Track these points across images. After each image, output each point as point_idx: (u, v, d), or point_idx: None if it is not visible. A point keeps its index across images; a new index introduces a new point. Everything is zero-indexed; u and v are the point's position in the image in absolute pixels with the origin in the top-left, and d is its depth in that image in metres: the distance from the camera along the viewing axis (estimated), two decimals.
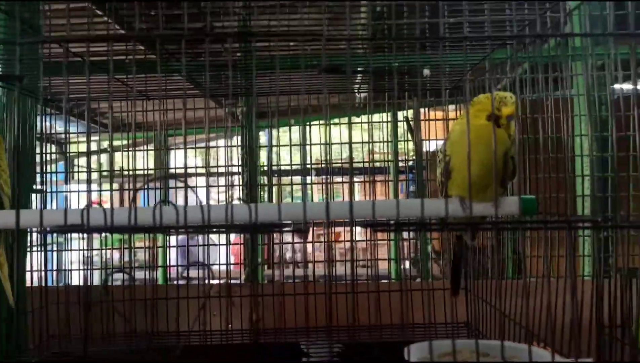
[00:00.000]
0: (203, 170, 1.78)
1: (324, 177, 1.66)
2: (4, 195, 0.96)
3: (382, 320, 1.26)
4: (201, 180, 1.95)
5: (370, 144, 1.55)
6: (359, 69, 1.18)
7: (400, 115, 2.01)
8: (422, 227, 0.78)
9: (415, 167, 1.77)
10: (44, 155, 1.29)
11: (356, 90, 1.61)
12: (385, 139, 1.74)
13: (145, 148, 1.40)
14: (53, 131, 1.35)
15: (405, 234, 1.59)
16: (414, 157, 1.66)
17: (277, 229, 0.62)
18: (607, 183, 1.30)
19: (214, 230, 0.69)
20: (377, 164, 1.67)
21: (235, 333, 1.27)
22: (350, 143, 0.59)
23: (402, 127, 1.92)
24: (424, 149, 1.77)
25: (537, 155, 1.15)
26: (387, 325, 1.26)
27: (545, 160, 1.13)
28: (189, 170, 1.57)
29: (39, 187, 1.31)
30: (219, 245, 1.38)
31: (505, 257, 1.45)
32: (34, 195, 1.28)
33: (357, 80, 1.57)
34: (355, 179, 1.88)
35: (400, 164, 1.89)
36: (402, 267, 1.61)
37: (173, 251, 1.41)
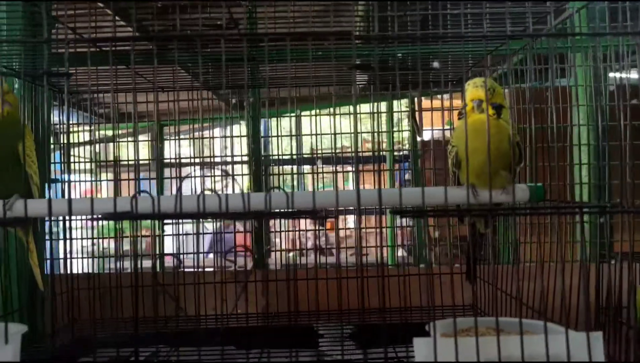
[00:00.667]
0: (209, 160, 1.80)
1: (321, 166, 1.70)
2: (33, 185, 1.00)
3: (391, 304, 1.31)
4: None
5: (376, 134, 1.58)
6: (367, 64, 1.22)
7: (396, 104, 2.04)
8: (445, 214, 0.83)
9: (412, 157, 1.83)
10: (63, 145, 1.32)
11: (361, 82, 1.64)
12: (381, 129, 1.77)
13: (177, 137, 1.43)
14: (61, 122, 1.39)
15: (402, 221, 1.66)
16: (408, 147, 1.70)
17: (311, 215, 0.66)
18: (604, 171, 1.36)
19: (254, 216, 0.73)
20: (369, 153, 1.71)
21: (251, 316, 1.32)
22: (377, 132, 0.63)
23: (397, 116, 1.95)
24: (419, 138, 1.82)
25: (536, 144, 1.20)
26: (395, 309, 1.31)
27: (547, 148, 1.18)
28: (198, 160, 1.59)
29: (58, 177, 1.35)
30: (233, 233, 1.42)
31: (503, 243, 1.50)
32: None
33: (358, 72, 1.61)
34: (349, 168, 1.93)
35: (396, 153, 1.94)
36: (401, 253, 1.66)
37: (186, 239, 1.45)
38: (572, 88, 1.42)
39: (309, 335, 1.24)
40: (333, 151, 1.50)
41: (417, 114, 1.58)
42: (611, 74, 1.39)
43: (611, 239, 1.33)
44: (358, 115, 1.52)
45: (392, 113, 1.71)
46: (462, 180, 0.99)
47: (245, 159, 1.67)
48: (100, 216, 0.65)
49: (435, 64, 1.17)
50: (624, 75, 1.19)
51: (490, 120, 0.90)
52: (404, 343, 0.97)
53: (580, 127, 1.41)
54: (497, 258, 1.43)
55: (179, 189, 0.73)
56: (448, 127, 1.71)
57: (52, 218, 1.27)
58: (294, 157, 1.52)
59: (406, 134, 2.19)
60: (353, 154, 1.63)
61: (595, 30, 1.16)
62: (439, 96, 1.58)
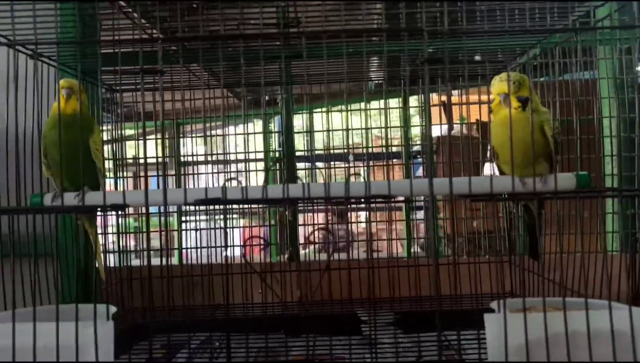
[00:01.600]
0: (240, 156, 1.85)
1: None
2: (101, 178, 1.05)
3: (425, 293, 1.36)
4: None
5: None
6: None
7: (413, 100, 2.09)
8: (514, 197, 0.87)
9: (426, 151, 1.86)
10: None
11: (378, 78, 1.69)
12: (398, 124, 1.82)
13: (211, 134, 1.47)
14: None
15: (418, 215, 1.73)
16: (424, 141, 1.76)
17: (386, 199, 0.71)
18: (633, 162, 1.40)
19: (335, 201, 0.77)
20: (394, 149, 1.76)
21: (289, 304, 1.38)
22: (452, 122, 0.67)
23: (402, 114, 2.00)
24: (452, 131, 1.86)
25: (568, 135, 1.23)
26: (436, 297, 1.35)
27: (582, 140, 1.23)
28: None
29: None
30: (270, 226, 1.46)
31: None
32: None
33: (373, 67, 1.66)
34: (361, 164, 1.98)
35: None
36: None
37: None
38: (602, 81, 1.46)
39: (352, 322, 1.29)
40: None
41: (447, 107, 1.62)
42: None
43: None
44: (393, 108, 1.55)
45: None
46: (500, 169, 1.04)
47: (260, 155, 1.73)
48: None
49: (477, 57, 1.21)
50: None
51: (516, 114, 0.93)
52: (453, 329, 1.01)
53: (610, 119, 1.44)
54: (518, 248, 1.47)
55: (266, 180, 0.77)
56: (460, 122, 1.76)
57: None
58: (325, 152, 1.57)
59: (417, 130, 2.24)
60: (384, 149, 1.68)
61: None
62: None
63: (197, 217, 1.64)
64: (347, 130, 1.60)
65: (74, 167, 0.95)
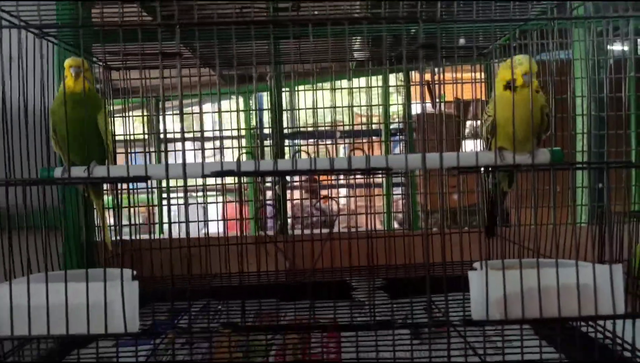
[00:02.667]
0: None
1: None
2: (109, 153, 1.11)
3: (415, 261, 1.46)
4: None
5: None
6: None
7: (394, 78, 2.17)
8: (496, 169, 0.95)
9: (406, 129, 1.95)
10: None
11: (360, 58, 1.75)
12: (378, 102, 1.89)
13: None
14: None
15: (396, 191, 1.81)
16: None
17: (384, 172, 0.79)
18: (603, 139, 1.51)
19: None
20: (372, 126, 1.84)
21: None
22: (437, 101, 0.74)
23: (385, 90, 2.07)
24: (433, 110, 1.94)
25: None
26: (420, 264, 1.45)
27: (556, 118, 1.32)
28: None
29: None
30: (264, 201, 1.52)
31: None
32: None
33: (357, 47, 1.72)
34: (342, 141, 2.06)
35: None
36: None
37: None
38: (576, 61, 1.55)
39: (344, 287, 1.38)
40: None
41: (431, 86, 1.70)
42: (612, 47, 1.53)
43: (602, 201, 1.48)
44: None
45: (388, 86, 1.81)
46: (493, 146, 1.11)
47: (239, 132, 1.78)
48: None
49: (462, 41, 1.29)
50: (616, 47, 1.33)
51: (528, 93, 1.01)
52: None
53: (582, 98, 1.54)
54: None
55: (276, 155, 0.84)
56: (439, 100, 1.83)
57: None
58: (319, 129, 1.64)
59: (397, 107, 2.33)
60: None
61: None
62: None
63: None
64: (336, 107, 1.67)
65: (83, 143, 1.01)
